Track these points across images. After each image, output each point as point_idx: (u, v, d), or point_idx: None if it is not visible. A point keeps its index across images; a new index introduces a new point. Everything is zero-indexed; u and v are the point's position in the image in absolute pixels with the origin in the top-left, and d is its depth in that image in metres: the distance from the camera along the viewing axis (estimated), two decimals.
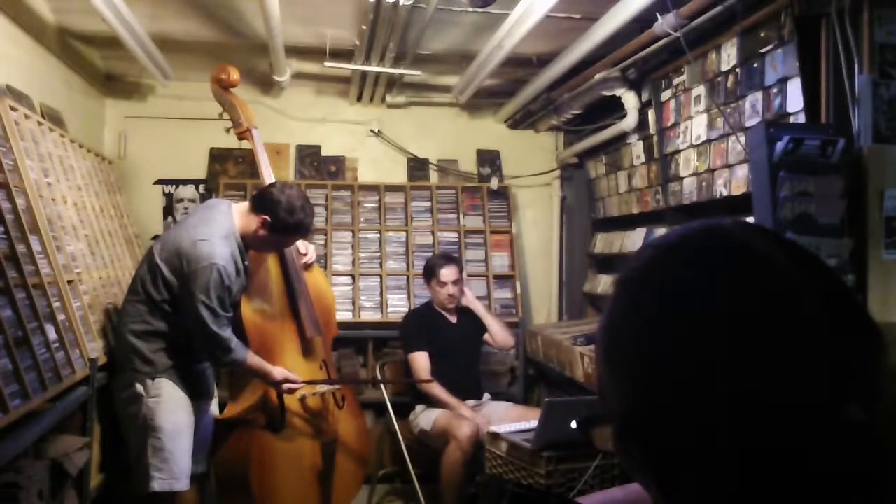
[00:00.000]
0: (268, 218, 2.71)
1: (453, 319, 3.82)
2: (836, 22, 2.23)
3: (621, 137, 3.99)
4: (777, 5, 2.54)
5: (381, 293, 4.46)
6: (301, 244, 3.18)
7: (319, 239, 4.47)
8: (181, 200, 4.65)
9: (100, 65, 4.41)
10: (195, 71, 4.26)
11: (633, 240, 4.09)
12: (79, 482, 2.61)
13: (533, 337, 4.36)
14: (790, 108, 2.55)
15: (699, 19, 2.76)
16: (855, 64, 2.22)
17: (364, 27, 3.42)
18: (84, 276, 2.94)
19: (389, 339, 4.43)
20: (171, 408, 2.67)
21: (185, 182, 4.67)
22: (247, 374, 2.93)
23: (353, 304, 4.41)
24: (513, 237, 4.74)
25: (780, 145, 2.10)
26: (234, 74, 3.25)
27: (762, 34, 2.70)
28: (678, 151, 3.41)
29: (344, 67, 4.05)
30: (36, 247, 2.47)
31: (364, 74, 4.23)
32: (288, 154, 4.79)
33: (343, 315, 4.14)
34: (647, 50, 3.19)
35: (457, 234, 4.67)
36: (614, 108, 3.90)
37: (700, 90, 3.18)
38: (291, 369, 2.93)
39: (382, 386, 3.70)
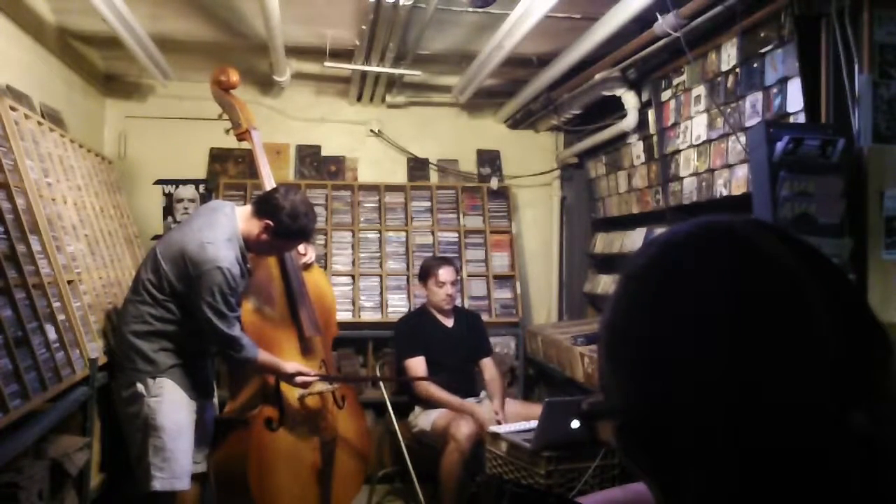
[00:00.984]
0: (271, 223, 2.72)
1: (448, 323, 3.80)
2: (836, 22, 2.23)
3: (621, 137, 3.99)
4: (777, 5, 2.54)
5: (381, 293, 4.46)
6: (300, 245, 3.18)
7: (319, 239, 4.47)
8: (181, 200, 4.65)
9: (100, 65, 4.41)
10: (195, 71, 4.26)
11: (633, 240, 4.09)
12: (79, 482, 2.61)
13: (533, 337, 4.36)
14: (790, 108, 2.55)
15: (699, 19, 2.77)
16: (855, 64, 2.22)
17: (364, 27, 3.42)
18: (84, 277, 2.94)
19: (389, 339, 4.43)
20: (172, 407, 2.67)
21: (185, 182, 4.67)
22: (246, 374, 2.94)
23: (353, 304, 4.41)
24: (513, 237, 4.75)
25: (780, 145, 2.10)
26: (234, 76, 3.25)
27: (762, 34, 2.70)
28: (678, 151, 3.41)
29: (344, 67, 4.05)
30: (36, 247, 2.47)
31: (364, 74, 4.23)
32: (288, 154, 4.79)
33: (343, 315, 4.14)
34: (647, 50, 3.19)
35: (457, 234, 4.67)
36: (614, 108, 3.90)
37: (700, 90, 3.18)
38: None
39: (382, 386, 3.70)
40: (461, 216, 4.72)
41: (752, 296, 0.55)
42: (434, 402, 3.53)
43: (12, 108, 2.68)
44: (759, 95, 2.74)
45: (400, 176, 4.90)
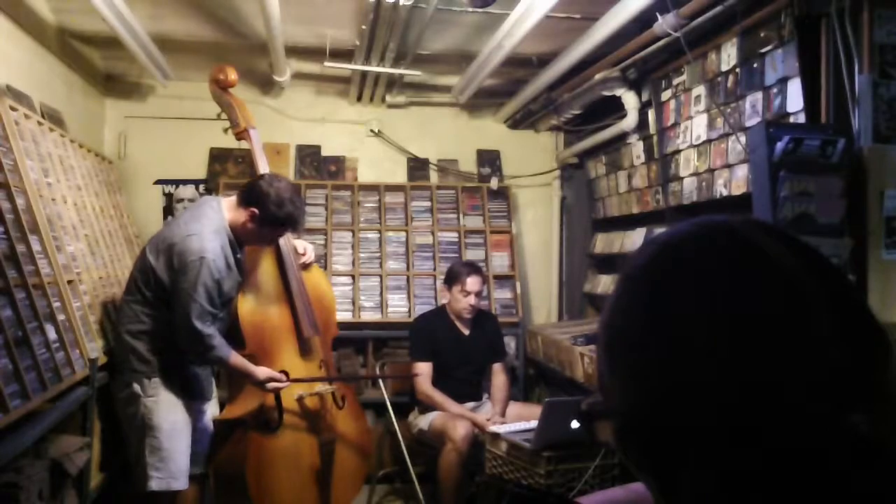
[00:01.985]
0: (256, 211, 2.71)
1: (466, 331, 3.70)
2: (836, 22, 2.23)
3: (621, 137, 3.99)
4: (777, 5, 2.54)
5: (381, 293, 4.46)
6: (299, 244, 3.18)
7: (319, 239, 4.47)
8: (181, 200, 4.64)
9: (100, 65, 4.41)
10: (195, 71, 4.26)
11: (633, 240, 4.09)
12: (79, 482, 2.61)
13: (533, 337, 4.36)
14: (790, 108, 2.55)
15: (699, 19, 2.77)
16: (855, 64, 2.22)
17: (364, 27, 3.42)
18: (84, 276, 2.94)
19: (389, 339, 4.44)
20: (168, 407, 2.67)
21: (185, 182, 4.67)
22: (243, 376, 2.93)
23: (353, 304, 4.41)
24: (513, 237, 4.74)
25: (780, 145, 2.10)
26: (232, 75, 3.24)
27: (762, 34, 2.70)
28: (678, 151, 3.41)
29: (344, 67, 4.05)
30: (36, 247, 2.47)
31: (364, 74, 4.23)
32: (288, 154, 4.79)
33: (343, 315, 4.14)
34: (647, 50, 3.19)
35: (457, 234, 4.67)
36: (614, 108, 3.90)
37: (700, 90, 3.18)
38: (289, 369, 2.93)
39: (382, 386, 3.69)
40: (461, 216, 4.72)
41: (751, 296, 0.54)
42: (432, 406, 3.53)
43: (12, 108, 2.69)
44: (759, 95, 2.74)
45: (400, 176, 4.90)
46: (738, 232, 0.58)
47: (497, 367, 3.73)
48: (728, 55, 2.93)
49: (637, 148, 3.91)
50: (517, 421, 3.21)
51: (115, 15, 3.08)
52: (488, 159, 5.01)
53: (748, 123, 2.78)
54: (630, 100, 3.71)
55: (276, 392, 2.86)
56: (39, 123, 3.01)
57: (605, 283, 4.52)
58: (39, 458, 2.31)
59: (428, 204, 4.72)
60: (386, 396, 3.59)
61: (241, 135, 3.23)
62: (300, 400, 2.96)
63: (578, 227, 4.97)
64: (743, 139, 2.76)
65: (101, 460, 2.89)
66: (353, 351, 4.47)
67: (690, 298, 0.56)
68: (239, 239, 2.79)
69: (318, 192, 4.62)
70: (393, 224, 4.64)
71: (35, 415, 2.20)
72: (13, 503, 2.08)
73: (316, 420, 3.01)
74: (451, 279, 3.66)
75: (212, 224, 2.69)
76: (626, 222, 4.27)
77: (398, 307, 4.43)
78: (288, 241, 3.09)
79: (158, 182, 4.66)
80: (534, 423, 2.85)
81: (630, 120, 3.74)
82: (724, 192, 3.01)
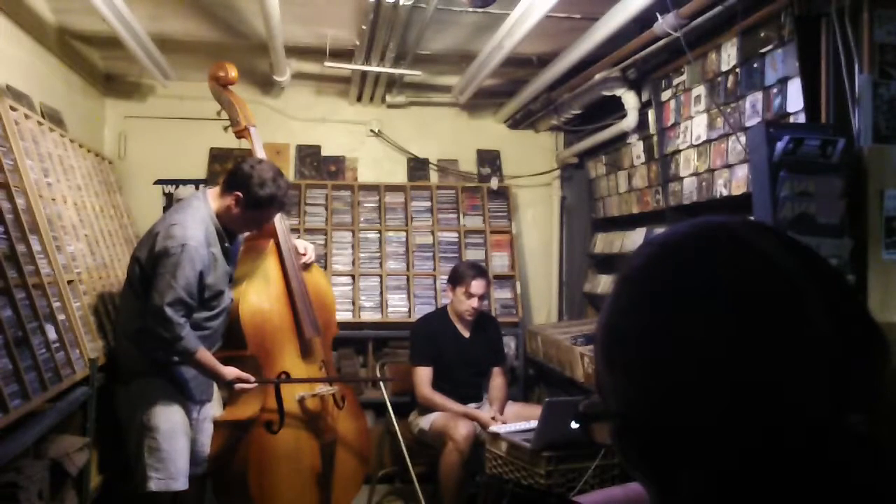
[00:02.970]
0: (240, 194, 2.70)
1: (466, 333, 3.69)
2: (836, 22, 2.23)
3: (621, 137, 3.98)
4: (777, 5, 2.54)
5: (381, 293, 4.46)
6: (300, 244, 3.18)
7: (319, 239, 4.47)
8: (181, 200, 4.64)
9: (100, 65, 4.41)
10: (195, 71, 4.26)
11: (633, 240, 4.09)
12: (79, 482, 2.61)
13: (533, 337, 4.36)
14: (790, 108, 2.55)
15: (699, 19, 2.76)
16: (855, 64, 2.22)
17: (364, 27, 3.42)
18: (84, 276, 2.94)
19: (389, 339, 4.43)
20: (167, 408, 2.66)
21: (185, 182, 4.67)
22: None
23: (353, 304, 4.41)
24: (513, 237, 4.74)
25: (780, 145, 2.10)
26: (232, 72, 3.24)
27: (762, 34, 2.70)
28: (678, 151, 3.41)
29: (344, 67, 4.05)
30: (36, 247, 2.47)
31: (364, 74, 4.23)
32: (288, 154, 4.79)
33: (343, 315, 4.14)
34: (647, 50, 3.19)
35: (457, 234, 4.67)
36: (614, 108, 3.90)
37: (700, 90, 3.18)
38: (291, 370, 2.93)
39: (382, 386, 3.70)
40: (461, 216, 4.72)
41: (750, 297, 0.54)
42: (434, 408, 3.52)
43: (12, 108, 2.69)
44: (759, 95, 2.74)
45: (400, 176, 4.90)
46: (736, 233, 0.58)
47: (496, 371, 3.72)
48: (728, 55, 2.93)
49: (637, 148, 3.91)
50: (517, 421, 3.20)
51: (114, 15, 3.08)
52: (488, 159, 5.01)
53: (748, 123, 2.78)
54: (630, 100, 3.71)
55: (278, 393, 2.85)
56: (39, 123, 3.01)
57: (605, 283, 4.52)
58: (39, 458, 2.31)
59: (428, 204, 4.72)
60: (386, 397, 3.59)
61: (241, 133, 3.22)
62: (301, 401, 2.96)
63: (578, 227, 4.97)
64: (743, 139, 2.76)
65: (100, 460, 2.89)
66: (353, 351, 4.47)
67: (689, 300, 0.56)
68: (228, 227, 2.77)
69: (318, 192, 4.62)
70: (393, 224, 4.64)
71: (35, 415, 2.20)
72: (13, 503, 2.08)
73: (317, 421, 3.01)
74: (456, 280, 3.64)
75: (196, 213, 2.69)
76: (626, 222, 4.27)
77: (398, 307, 4.43)
78: (289, 241, 3.09)
79: (158, 182, 4.66)
80: (534, 423, 2.85)
81: (630, 120, 3.74)
82: (724, 193, 3.01)
